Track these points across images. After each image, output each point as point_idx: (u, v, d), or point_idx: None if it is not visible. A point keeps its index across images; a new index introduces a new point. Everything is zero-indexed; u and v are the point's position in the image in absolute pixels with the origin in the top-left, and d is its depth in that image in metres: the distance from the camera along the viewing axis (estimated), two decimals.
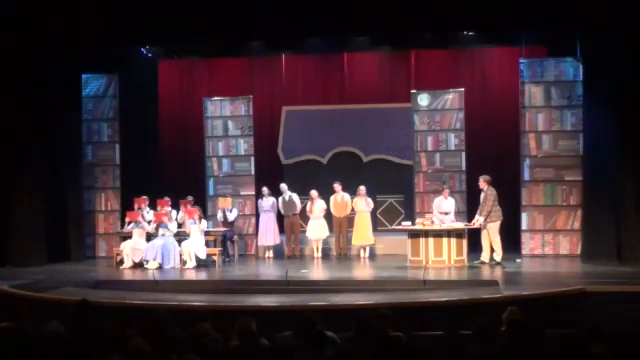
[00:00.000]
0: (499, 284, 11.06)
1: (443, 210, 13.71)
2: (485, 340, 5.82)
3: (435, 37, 14.92)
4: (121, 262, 13.83)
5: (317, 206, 14.99)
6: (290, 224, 15.10)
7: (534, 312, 8.18)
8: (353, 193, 14.95)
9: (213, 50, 15.91)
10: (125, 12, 13.13)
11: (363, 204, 14.79)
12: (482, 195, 13.17)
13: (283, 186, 15.32)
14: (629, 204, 12.81)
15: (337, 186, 15.03)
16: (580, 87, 13.98)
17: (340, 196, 14.98)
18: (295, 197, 15.20)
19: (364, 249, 14.81)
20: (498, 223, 13.02)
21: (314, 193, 15.07)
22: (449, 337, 5.82)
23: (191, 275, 13.00)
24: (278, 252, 15.25)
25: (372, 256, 14.86)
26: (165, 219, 13.78)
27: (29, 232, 13.85)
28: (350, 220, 14.97)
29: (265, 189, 15.20)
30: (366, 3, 12.93)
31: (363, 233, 14.74)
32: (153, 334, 6.15)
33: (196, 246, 13.62)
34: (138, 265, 13.56)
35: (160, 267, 13.38)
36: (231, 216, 14.91)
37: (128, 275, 13.13)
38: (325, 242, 15.18)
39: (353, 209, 14.86)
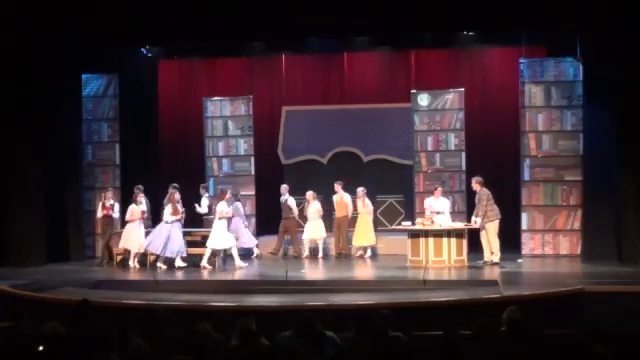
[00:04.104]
0: (499, 284, 11.05)
1: (435, 210, 13.71)
2: (485, 340, 5.82)
3: (435, 37, 14.92)
4: (122, 262, 13.82)
5: (312, 207, 14.90)
6: (284, 226, 15.03)
7: (534, 312, 8.19)
8: (353, 193, 14.95)
9: (213, 50, 15.91)
10: (125, 12, 13.12)
11: (361, 205, 14.80)
12: (476, 197, 13.18)
13: (283, 188, 15.25)
14: (629, 204, 12.82)
15: (337, 186, 15.01)
16: (580, 87, 13.99)
17: (340, 196, 14.96)
18: (291, 201, 15.07)
19: (364, 249, 14.81)
20: (496, 222, 13.00)
21: (309, 194, 14.98)
22: (448, 337, 5.82)
23: (191, 275, 12.99)
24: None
25: (372, 256, 14.84)
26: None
27: (29, 232, 13.86)
28: (353, 220, 14.94)
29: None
30: (366, 3, 12.94)
31: (363, 234, 14.74)
32: (153, 334, 6.15)
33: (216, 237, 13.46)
34: (143, 264, 13.57)
35: (168, 264, 13.36)
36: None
37: (128, 275, 13.13)
38: (326, 242, 15.15)
39: (356, 209, 14.87)
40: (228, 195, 13.79)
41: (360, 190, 14.83)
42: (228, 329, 6.48)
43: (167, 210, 13.44)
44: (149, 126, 16.27)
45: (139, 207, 13.74)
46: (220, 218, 13.36)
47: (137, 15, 13.18)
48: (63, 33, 13.52)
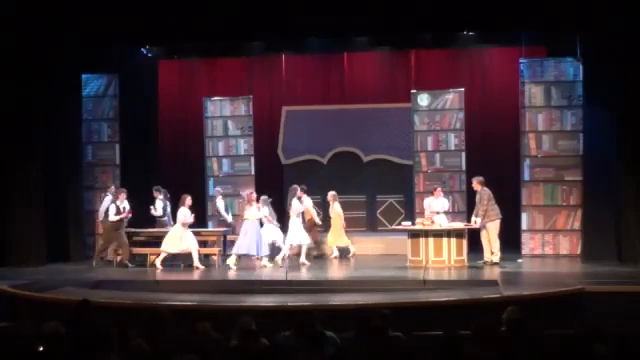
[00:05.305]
0: (499, 284, 11.05)
1: (434, 210, 13.73)
2: (485, 340, 5.82)
3: (435, 37, 14.92)
4: (122, 262, 13.80)
5: (262, 212, 14.43)
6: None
7: (534, 312, 8.19)
8: (353, 193, 14.96)
9: (213, 50, 15.91)
10: (125, 12, 13.12)
11: (330, 209, 14.76)
12: (477, 196, 13.18)
13: (216, 191, 15.04)
14: (629, 204, 12.82)
15: (299, 192, 14.86)
16: (580, 87, 13.99)
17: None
18: (220, 204, 14.92)
19: (342, 251, 14.67)
20: (497, 222, 13.01)
21: (261, 199, 14.73)
22: (448, 337, 5.82)
23: (191, 275, 13.00)
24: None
25: (347, 257, 14.59)
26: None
27: (29, 232, 13.86)
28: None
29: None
30: (366, 3, 12.94)
31: (332, 235, 14.68)
32: (153, 334, 6.15)
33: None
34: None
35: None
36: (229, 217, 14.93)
37: (128, 275, 13.12)
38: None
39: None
40: (300, 192, 14.03)
41: (329, 195, 14.75)
42: (228, 329, 6.48)
43: (252, 209, 13.39)
44: (149, 126, 16.26)
45: (188, 210, 13.52)
46: (297, 215, 13.76)
47: (137, 15, 13.18)
48: (63, 33, 13.52)
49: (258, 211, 13.43)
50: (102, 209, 14.36)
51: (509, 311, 6.63)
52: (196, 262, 13.29)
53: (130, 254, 13.81)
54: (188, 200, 13.50)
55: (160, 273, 12.94)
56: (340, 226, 14.69)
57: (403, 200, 16.35)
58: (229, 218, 14.83)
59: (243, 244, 13.29)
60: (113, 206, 13.76)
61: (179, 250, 13.34)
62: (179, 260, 13.70)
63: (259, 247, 13.34)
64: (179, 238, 13.25)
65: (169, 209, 14.67)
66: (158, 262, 13.34)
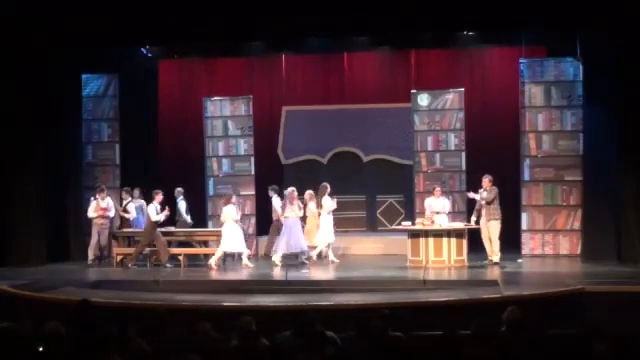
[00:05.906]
0: (499, 284, 11.06)
1: (434, 210, 13.74)
2: (485, 340, 5.82)
3: (435, 37, 14.92)
4: (121, 262, 13.79)
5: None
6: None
7: (534, 312, 8.20)
8: (353, 193, 14.94)
9: (213, 50, 15.91)
10: (125, 12, 13.13)
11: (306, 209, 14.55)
12: (485, 193, 13.16)
13: (176, 191, 14.90)
14: (629, 204, 12.82)
15: (269, 191, 14.85)
16: (580, 87, 13.99)
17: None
18: (181, 204, 14.84)
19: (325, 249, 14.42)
20: (499, 222, 13.03)
21: (233, 197, 14.70)
22: (448, 337, 5.82)
23: (191, 275, 13.00)
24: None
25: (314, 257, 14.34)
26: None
27: (29, 232, 13.87)
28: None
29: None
30: (366, 3, 12.94)
31: (313, 235, 14.35)
32: (153, 334, 6.16)
33: None
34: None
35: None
36: None
37: (128, 275, 13.12)
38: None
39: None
40: (328, 190, 14.10)
41: (306, 193, 14.34)
42: (228, 329, 6.48)
43: (294, 207, 13.67)
44: (149, 126, 16.26)
45: (235, 207, 13.62)
46: (328, 213, 13.95)
47: (137, 15, 13.18)
48: (63, 33, 13.52)
49: (299, 209, 13.67)
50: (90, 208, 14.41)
51: (509, 311, 6.63)
52: (245, 260, 13.50)
53: (169, 254, 13.79)
54: (234, 198, 13.76)
55: (160, 273, 12.92)
56: (314, 225, 14.22)
57: (403, 200, 16.35)
58: (188, 219, 14.78)
59: (293, 243, 13.54)
60: (152, 206, 13.62)
61: (245, 247, 13.65)
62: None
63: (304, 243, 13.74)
64: (234, 235, 13.42)
65: (145, 208, 14.54)
66: (246, 261, 13.44)
